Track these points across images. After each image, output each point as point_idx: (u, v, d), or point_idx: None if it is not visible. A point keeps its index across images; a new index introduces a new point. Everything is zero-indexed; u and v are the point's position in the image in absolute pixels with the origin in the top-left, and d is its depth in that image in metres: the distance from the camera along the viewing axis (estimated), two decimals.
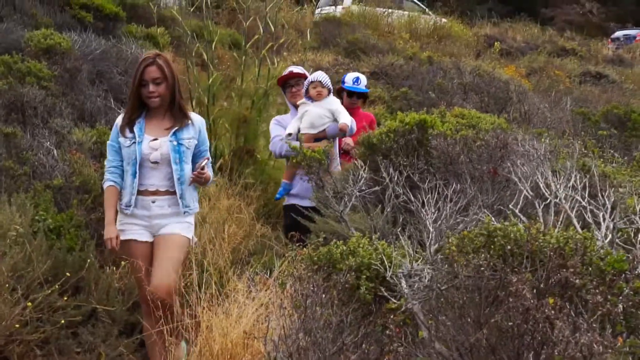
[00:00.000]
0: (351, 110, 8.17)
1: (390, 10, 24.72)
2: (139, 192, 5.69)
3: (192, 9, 11.44)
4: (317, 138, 7.47)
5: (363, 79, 8.75)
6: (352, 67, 16.74)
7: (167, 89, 5.68)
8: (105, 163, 5.79)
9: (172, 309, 5.42)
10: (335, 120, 7.50)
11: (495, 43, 23.33)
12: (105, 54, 12.19)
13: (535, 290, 3.75)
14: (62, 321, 5.86)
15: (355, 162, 6.95)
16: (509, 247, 3.98)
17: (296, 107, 7.62)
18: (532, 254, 3.95)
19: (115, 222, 5.70)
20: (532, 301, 3.56)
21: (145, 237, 5.72)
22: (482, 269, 3.85)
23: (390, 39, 21.48)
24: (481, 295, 3.81)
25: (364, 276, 4.66)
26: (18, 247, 5.99)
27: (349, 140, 8.00)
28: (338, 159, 7.76)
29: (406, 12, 25.31)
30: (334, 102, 7.59)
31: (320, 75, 7.59)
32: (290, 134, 7.36)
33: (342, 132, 7.50)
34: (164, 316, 5.35)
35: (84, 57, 11.52)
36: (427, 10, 26.89)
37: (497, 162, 6.51)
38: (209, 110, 9.87)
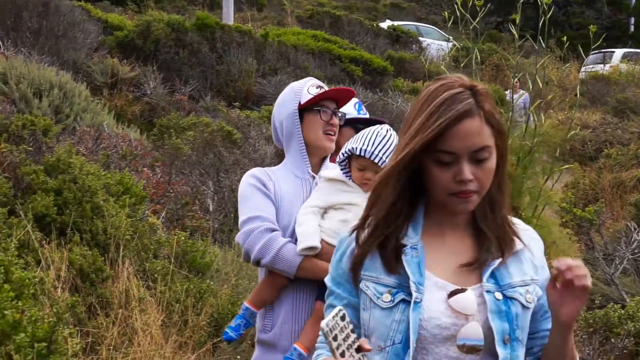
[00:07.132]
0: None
1: None
2: None
3: (462, 65, 11.54)
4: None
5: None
6: (621, 127, 16.26)
7: (496, 170, 2.30)
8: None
9: None
10: None
11: None
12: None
13: None
14: None
15: None
16: None
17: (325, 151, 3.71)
18: None
19: None
20: None
21: None
22: None
23: None
24: None
25: None
26: None
27: None
28: None
29: None
30: None
31: (379, 145, 3.30)
32: (313, 248, 3.34)
33: None
34: None
35: None
36: None
37: None
38: None
